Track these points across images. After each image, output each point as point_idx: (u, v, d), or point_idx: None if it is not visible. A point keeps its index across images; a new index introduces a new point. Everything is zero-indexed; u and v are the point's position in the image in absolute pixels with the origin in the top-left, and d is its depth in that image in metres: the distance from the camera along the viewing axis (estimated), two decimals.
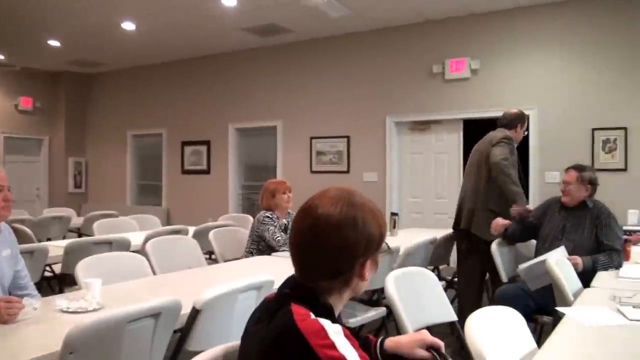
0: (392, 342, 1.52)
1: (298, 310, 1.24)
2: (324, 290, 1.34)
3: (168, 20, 8.04)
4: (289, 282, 1.37)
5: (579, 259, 3.55)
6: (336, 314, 1.36)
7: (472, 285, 4.67)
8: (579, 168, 3.96)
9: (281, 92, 9.29)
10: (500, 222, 4.25)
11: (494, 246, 4.18)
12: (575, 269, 3.39)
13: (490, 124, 8.03)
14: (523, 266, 3.70)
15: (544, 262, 3.40)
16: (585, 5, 6.97)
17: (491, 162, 4.54)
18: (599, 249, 3.72)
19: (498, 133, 4.81)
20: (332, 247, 1.31)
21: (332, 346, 1.17)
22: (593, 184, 3.91)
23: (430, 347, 1.48)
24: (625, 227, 6.00)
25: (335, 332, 1.20)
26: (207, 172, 10.12)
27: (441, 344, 1.48)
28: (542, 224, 4.08)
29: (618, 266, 3.60)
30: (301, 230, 1.36)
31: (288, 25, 8.28)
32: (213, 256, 4.78)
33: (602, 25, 6.88)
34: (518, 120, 4.91)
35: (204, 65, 10.15)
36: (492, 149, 4.60)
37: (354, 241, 1.32)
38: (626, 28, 6.74)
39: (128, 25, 8.30)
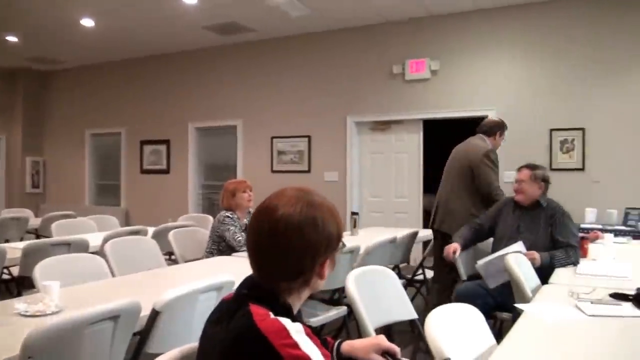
0: (348, 345, 1.52)
1: (257, 311, 1.23)
2: (283, 290, 1.33)
3: (128, 17, 7.92)
4: (247, 283, 1.36)
5: (536, 254, 3.62)
6: (294, 313, 1.36)
7: (445, 282, 4.71)
8: (531, 167, 4.04)
9: (242, 91, 9.24)
10: (451, 248, 4.09)
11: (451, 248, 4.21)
12: (533, 265, 3.46)
13: (450, 124, 8.18)
14: (481, 262, 3.73)
15: (502, 257, 3.46)
16: (544, 8, 7.13)
17: (481, 182, 4.67)
18: (555, 246, 3.78)
19: (480, 142, 4.92)
20: (294, 249, 1.30)
21: (296, 345, 1.16)
22: (546, 181, 3.98)
23: (386, 353, 1.48)
24: (582, 225, 6.17)
25: (297, 331, 1.20)
26: (166, 171, 9.99)
27: (397, 349, 1.48)
28: (497, 225, 4.13)
29: (575, 262, 3.66)
30: (260, 232, 1.33)
31: (249, 24, 8.24)
32: (173, 257, 4.72)
33: (560, 28, 7.04)
34: (498, 128, 5.03)
35: (164, 64, 10.02)
36: (481, 168, 4.70)
37: (315, 242, 1.32)
38: (584, 31, 6.92)
39: (87, 22, 8.14)
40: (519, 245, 3.72)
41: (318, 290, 1.41)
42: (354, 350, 1.51)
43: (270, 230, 1.31)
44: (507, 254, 3.45)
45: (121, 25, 8.32)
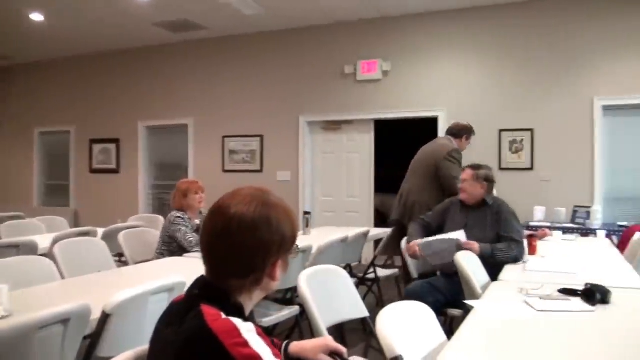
0: (296, 346, 1.53)
1: (209, 311, 1.22)
2: (234, 289, 1.33)
3: (78, 12, 7.71)
4: (198, 283, 1.35)
5: (475, 244, 3.71)
6: (247, 313, 1.36)
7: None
8: (475, 167, 4.12)
9: (193, 89, 9.14)
10: (413, 245, 4.10)
11: (403, 244, 4.28)
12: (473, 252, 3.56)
13: (401, 124, 8.28)
14: (421, 241, 3.90)
15: (443, 240, 3.73)
16: (494, 12, 7.30)
17: (444, 177, 5.09)
18: (500, 242, 3.88)
19: (447, 142, 5.39)
20: (246, 247, 1.31)
21: (246, 344, 1.17)
22: (489, 181, 4.05)
23: (334, 353, 1.49)
24: (531, 223, 6.35)
25: (248, 330, 1.20)
26: (116, 171, 9.79)
27: (344, 350, 1.50)
28: (445, 223, 4.21)
29: (517, 256, 3.74)
30: (213, 230, 1.34)
31: (201, 22, 8.15)
32: (123, 258, 4.63)
33: (510, 31, 7.22)
34: (465, 132, 5.51)
35: (114, 60, 9.81)
36: (445, 162, 5.14)
37: (267, 241, 1.32)
38: (532, 35, 7.11)
39: (37, 17, 7.89)
40: (461, 234, 3.80)
41: (270, 291, 1.41)
42: (303, 351, 1.52)
43: (223, 229, 1.32)
44: (448, 238, 3.69)
45: (71, 21, 8.11)
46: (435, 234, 4.29)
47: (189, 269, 3.63)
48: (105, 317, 2.18)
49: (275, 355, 1.22)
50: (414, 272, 4.20)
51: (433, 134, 7.51)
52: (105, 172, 9.90)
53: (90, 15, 7.83)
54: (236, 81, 8.83)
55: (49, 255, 3.62)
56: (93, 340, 2.19)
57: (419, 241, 3.92)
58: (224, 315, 1.22)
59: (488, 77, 7.35)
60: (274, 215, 1.35)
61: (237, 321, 1.21)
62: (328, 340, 1.52)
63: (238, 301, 1.33)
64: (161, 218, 6.39)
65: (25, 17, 7.92)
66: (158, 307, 2.35)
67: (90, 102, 10.05)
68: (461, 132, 5.50)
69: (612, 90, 6.78)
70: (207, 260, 1.35)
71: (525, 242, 4.07)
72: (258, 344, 1.19)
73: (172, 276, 2.53)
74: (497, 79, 7.29)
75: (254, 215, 1.32)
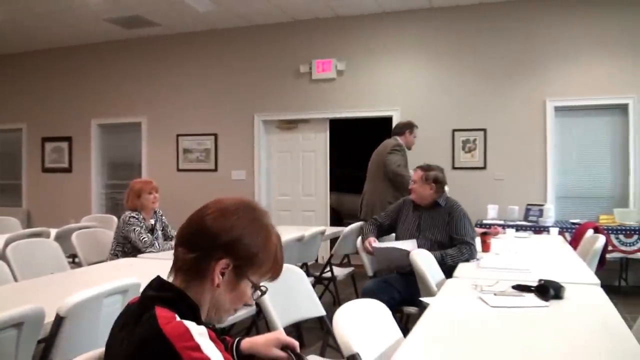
0: (247, 342, 1.53)
1: (162, 314, 1.22)
2: (187, 288, 1.33)
3: (27, 7, 7.46)
4: (153, 284, 1.35)
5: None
6: (203, 315, 1.35)
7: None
8: (425, 168, 4.16)
9: (146, 87, 9.00)
10: (367, 243, 4.17)
11: (358, 242, 4.31)
12: None
13: (356, 123, 8.33)
14: (377, 245, 4.01)
15: (394, 249, 3.79)
16: (447, 13, 7.41)
17: (387, 169, 5.68)
18: (452, 244, 3.94)
19: (391, 140, 5.96)
20: (202, 224, 1.35)
21: (197, 348, 1.16)
22: (438, 182, 4.09)
23: (286, 347, 1.50)
24: (485, 221, 6.46)
25: (199, 333, 1.19)
26: (68, 170, 9.56)
27: (296, 343, 1.50)
28: (397, 223, 4.26)
29: (469, 258, 3.79)
30: (188, 221, 1.40)
31: (154, 18, 8.02)
32: (77, 259, 4.55)
33: (463, 32, 7.35)
34: (406, 127, 6.12)
35: (65, 57, 9.55)
36: (387, 156, 5.74)
37: (220, 228, 1.33)
38: (485, 36, 7.26)
39: None
40: (412, 244, 3.85)
41: (222, 311, 1.39)
42: (255, 346, 1.51)
43: (198, 209, 1.39)
44: (400, 248, 3.75)
45: (20, 15, 7.84)
46: (387, 232, 4.35)
47: (144, 270, 3.59)
48: (59, 320, 2.14)
49: (226, 359, 1.22)
50: (369, 270, 4.23)
51: (388, 133, 7.59)
52: (57, 171, 9.65)
53: (40, 9, 7.60)
54: (190, 79, 8.74)
55: (1, 257, 3.54)
56: (47, 344, 2.15)
57: (376, 245, 4.01)
58: (177, 318, 1.22)
59: (442, 77, 7.46)
60: (252, 218, 1.38)
61: (189, 324, 1.20)
62: (280, 334, 1.52)
63: (193, 302, 1.32)
64: (115, 218, 6.29)
65: None
66: (112, 310, 2.34)
67: (42, 99, 9.76)
68: (402, 128, 6.12)
69: (564, 91, 6.96)
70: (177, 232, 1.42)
71: (479, 239, 4.15)
72: (209, 349, 1.18)
73: (126, 278, 2.50)
74: (450, 80, 7.41)
75: (229, 206, 1.37)
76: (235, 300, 1.39)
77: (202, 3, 7.28)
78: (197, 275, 1.34)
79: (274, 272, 1.42)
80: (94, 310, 2.31)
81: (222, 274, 1.34)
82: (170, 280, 1.37)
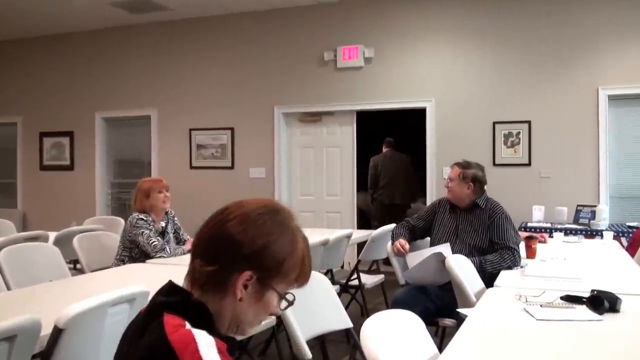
0: None
1: (171, 321, 1.21)
2: (201, 294, 1.32)
3: None
4: (164, 288, 1.35)
5: None
6: (223, 327, 1.34)
7: None
8: (462, 165, 4.13)
9: (156, 77, 9.05)
10: (399, 244, 4.11)
11: (388, 247, 4.28)
12: None
13: (385, 116, 8.29)
14: (406, 274, 3.91)
15: (424, 263, 3.68)
16: None
17: None
18: (493, 249, 3.89)
19: None
20: (222, 232, 1.33)
21: None
22: (477, 181, 4.05)
23: None
24: (530, 224, 6.36)
25: (207, 344, 1.18)
26: (70, 168, 9.67)
27: None
28: (433, 226, 4.22)
29: (512, 265, 3.76)
30: (206, 222, 1.39)
31: (163, 2, 8.06)
32: (78, 266, 4.59)
33: (507, 14, 7.25)
34: None
35: (66, 44, 9.67)
36: None
37: (244, 237, 1.31)
38: (532, 19, 7.14)
39: None
40: (445, 249, 3.81)
41: (244, 324, 1.38)
42: None
43: (216, 213, 1.38)
44: (429, 257, 3.66)
45: None
46: (421, 236, 4.31)
47: (153, 276, 3.60)
48: (57, 333, 2.14)
49: None
50: (400, 278, 4.20)
51: (421, 126, 7.55)
52: (57, 169, 9.76)
53: None
54: (204, 68, 8.77)
55: None
56: (43, 358, 2.15)
57: (405, 274, 3.96)
58: (187, 326, 1.21)
59: (481, 64, 7.38)
60: (277, 222, 1.36)
61: (198, 334, 1.19)
62: None
63: (206, 309, 1.31)
64: (121, 220, 6.33)
65: None
66: (117, 321, 2.34)
67: (40, 90, 9.88)
68: None
69: (619, 78, 6.83)
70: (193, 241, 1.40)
71: (523, 244, 4.10)
72: None
73: (133, 285, 2.51)
74: (491, 67, 7.32)
75: (254, 210, 1.35)
76: (260, 312, 1.38)
77: None
78: (216, 288, 1.33)
79: (302, 280, 1.42)
80: (97, 321, 2.31)
81: (245, 286, 1.33)
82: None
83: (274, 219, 1.37)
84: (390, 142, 8.76)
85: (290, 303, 1.40)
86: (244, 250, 1.31)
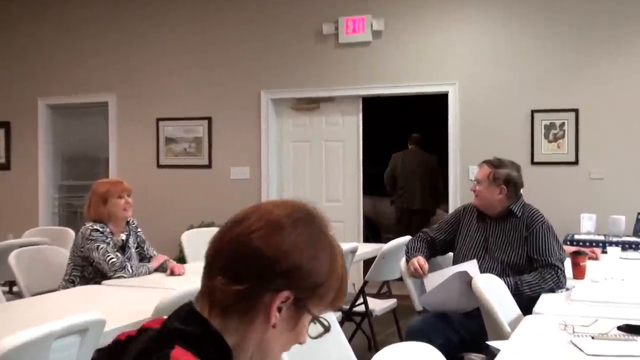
0: None
1: (179, 355, 1.21)
2: (224, 321, 1.31)
3: None
4: (182, 312, 1.33)
5: None
6: None
7: None
8: (494, 163, 4.11)
9: (116, 55, 9.04)
10: (416, 262, 4.12)
11: (402, 264, 4.27)
12: None
13: (398, 102, 8.29)
14: (424, 298, 3.94)
15: (445, 285, 3.69)
16: None
17: None
18: (532, 267, 3.89)
19: None
20: (249, 245, 1.31)
21: None
22: (512, 184, 4.04)
23: None
24: (578, 236, 6.32)
25: None
26: (5, 167, 9.67)
27: None
28: (457, 238, 4.21)
29: (555, 287, 3.75)
30: (229, 220, 1.38)
31: None
32: (15, 289, 4.58)
33: None
34: None
35: (0, 15, 9.67)
36: None
37: (282, 253, 1.30)
38: None
39: None
40: (472, 266, 3.80)
41: (272, 354, 1.38)
42: None
43: (238, 217, 1.37)
44: (452, 277, 3.67)
45: None
46: (442, 251, 4.30)
47: (110, 301, 3.59)
48: None
49: None
50: (417, 303, 4.19)
51: (442, 115, 7.53)
52: None
53: None
54: (176, 45, 8.77)
55: None
56: None
57: (421, 299, 3.99)
58: None
59: (518, 38, 7.37)
60: (315, 232, 1.37)
61: None
62: None
63: (227, 347, 1.31)
64: (71, 232, 6.30)
65: None
66: (65, 356, 2.33)
67: None
68: None
69: None
70: (204, 256, 1.37)
71: (568, 261, 4.09)
72: None
73: (86, 312, 2.50)
74: (529, 43, 7.32)
75: (284, 216, 1.36)
76: (292, 340, 1.38)
77: None
78: (243, 312, 1.32)
79: (339, 302, 1.42)
80: (39, 356, 2.30)
81: (279, 309, 1.32)
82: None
83: (310, 227, 1.38)
84: (416, 138, 8.83)
85: (327, 329, 1.40)
86: (279, 267, 1.30)
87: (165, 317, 1.37)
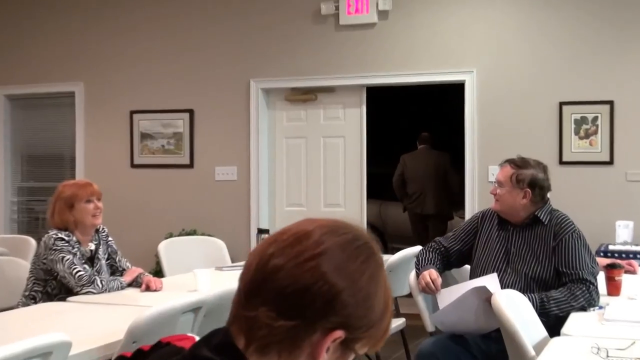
0: None
1: None
2: (263, 357, 1.30)
3: None
4: (215, 339, 1.33)
5: None
6: None
7: None
8: (517, 163, 4.12)
9: (83, 39, 9.05)
10: (428, 275, 4.14)
11: (411, 279, 4.28)
12: None
13: (407, 93, 8.29)
14: (436, 317, 3.97)
15: (460, 303, 3.69)
16: None
17: None
18: (560, 281, 3.90)
19: None
20: (306, 277, 1.28)
21: None
22: (537, 187, 4.06)
23: None
24: (612, 247, 6.31)
25: None
26: None
27: None
28: (475, 248, 4.22)
29: (587, 305, 3.76)
30: (276, 238, 1.35)
31: None
32: None
33: None
34: None
35: None
36: None
37: (339, 284, 1.29)
38: None
39: None
40: (491, 281, 3.81)
41: None
42: None
43: (292, 237, 1.32)
44: (469, 293, 3.67)
45: None
46: (458, 263, 4.31)
47: (77, 321, 3.60)
48: None
49: None
50: (429, 323, 4.21)
51: (458, 107, 7.54)
52: None
53: None
54: (152, 27, 8.77)
55: None
56: None
57: (433, 316, 4.03)
58: None
59: (545, 22, 7.38)
60: (375, 266, 1.35)
61: None
62: None
63: None
64: (32, 241, 6.30)
65: None
66: None
67: None
68: None
69: None
70: (242, 278, 1.34)
71: (602, 276, 4.10)
72: None
73: (49, 333, 2.51)
74: (556, 28, 7.32)
75: (346, 242, 1.33)
76: None
77: None
78: (286, 350, 1.31)
79: (382, 343, 1.41)
80: None
81: (327, 349, 1.32)
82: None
83: (371, 259, 1.36)
84: (426, 137, 8.86)
85: None
86: (337, 303, 1.30)
87: (191, 335, 1.37)
